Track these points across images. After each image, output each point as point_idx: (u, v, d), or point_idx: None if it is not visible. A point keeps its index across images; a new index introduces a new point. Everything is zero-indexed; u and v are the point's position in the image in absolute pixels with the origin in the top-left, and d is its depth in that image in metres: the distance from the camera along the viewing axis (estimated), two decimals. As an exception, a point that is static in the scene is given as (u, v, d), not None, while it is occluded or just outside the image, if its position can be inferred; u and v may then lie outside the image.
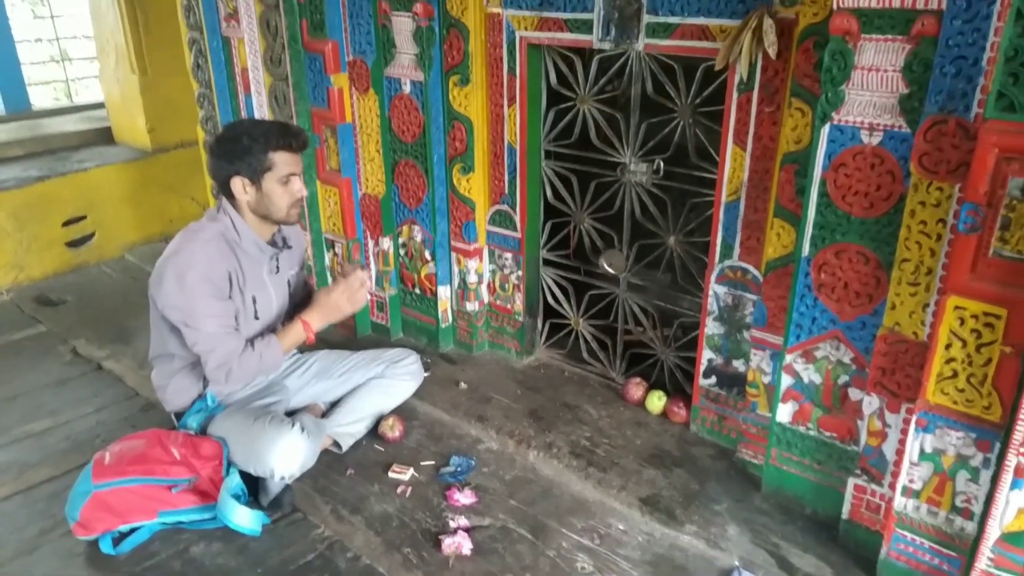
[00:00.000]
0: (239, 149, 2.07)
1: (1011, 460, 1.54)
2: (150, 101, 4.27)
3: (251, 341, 2.19)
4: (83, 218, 4.07)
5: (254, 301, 2.22)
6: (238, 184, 2.10)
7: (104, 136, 4.58)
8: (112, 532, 2.07)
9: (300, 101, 2.82)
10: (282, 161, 2.11)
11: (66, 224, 4.02)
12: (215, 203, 2.27)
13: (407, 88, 2.65)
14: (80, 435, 2.59)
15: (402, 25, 2.56)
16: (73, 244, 4.07)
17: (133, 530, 2.09)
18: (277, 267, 2.29)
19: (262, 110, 2.94)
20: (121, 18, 4.13)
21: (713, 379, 2.34)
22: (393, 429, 2.45)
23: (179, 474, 2.13)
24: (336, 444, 2.38)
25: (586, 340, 2.83)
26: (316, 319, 2.25)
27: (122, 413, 2.72)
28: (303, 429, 2.14)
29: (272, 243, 2.26)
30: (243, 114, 3.07)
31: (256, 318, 2.25)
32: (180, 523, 2.12)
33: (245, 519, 2.07)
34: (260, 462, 2.10)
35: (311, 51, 2.75)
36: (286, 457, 2.09)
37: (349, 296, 2.25)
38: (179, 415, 2.32)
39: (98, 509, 2.05)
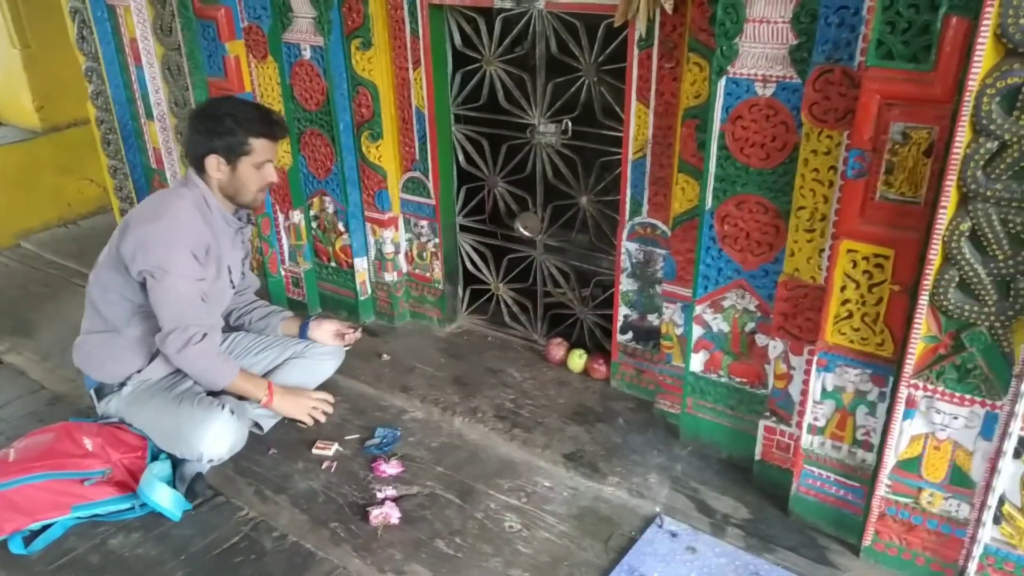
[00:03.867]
0: (222, 129, 2.08)
1: (903, 392, 1.63)
2: (36, 77, 4.00)
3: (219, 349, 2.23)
4: (-29, 205, 3.83)
5: (229, 271, 2.25)
6: (212, 162, 2.11)
7: (-13, 117, 4.29)
8: (22, 531, 1.99)
9: (195, 71, 2.69)
10: (261, 147, 2.13)
11: (-48, 213, 3.77)
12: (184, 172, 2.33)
13: (307, 54, 2.56)
14: (-19, 434, 2.46)
15: (298, -12, 2.47)
16: (-38, 234, 3.83)
17: (45, 527, 2.01)
18: (242, 241, 2.31)
19: (155, 82, 2.80)
20: (-6, -13, 3.84)
21: (630, 334, 2.39)
22: None
23: (91, 466, 2.07)
24: (257, 425, 2.34)
25: (507, 304, 2.84)
26: (278, 399, 2.28)
27: (27, 408, 2.60)
28: (232, 411, 2.14)
29: (237, 217, 2.28)
30: (136, 88, 2.93)
31: (232, 286, 2.31)
32: (96, 516, 2.06)
33: (167, 499, 2.03)
34: (188, 445, 2.08)
35: (203, 18, 2.62)
36: (216, 439, 2.09)
37: (308, 411, 2.35)
38: (99, 392, 2.25)
39: (5, 509, 1.98)
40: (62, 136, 4.12)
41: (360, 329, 2.59)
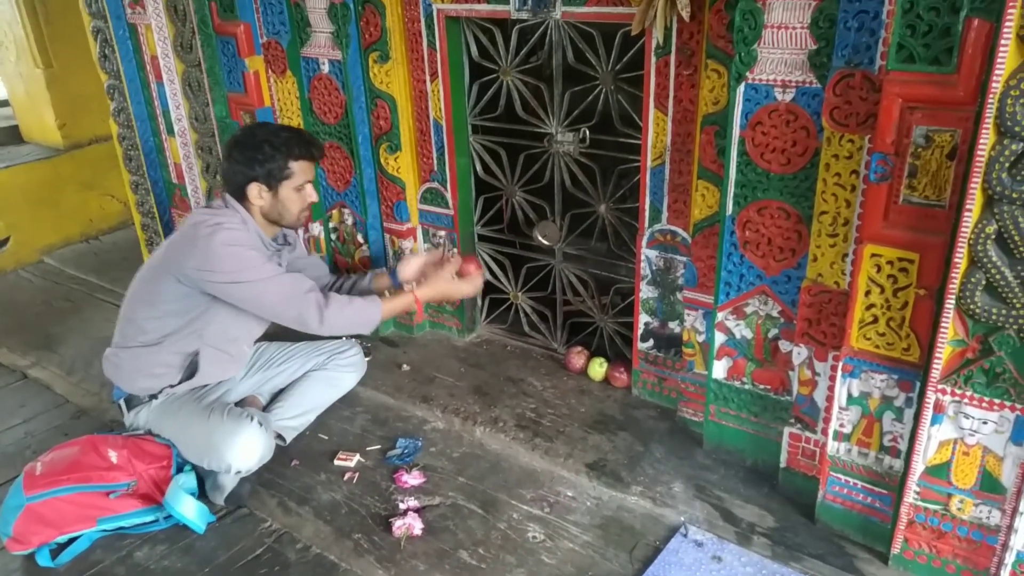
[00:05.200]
0: (261, 156, 2.10)
1: (930, 397, 1.61)
2: (58, 96, 4.07)
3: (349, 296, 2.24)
4: (-4, 223, 3.89)
5: None
6: (254, 190, 2.14)
7: (11, 135, 4.36)
8: (49, 544, 2.01)
9: (215, 87, 2.73)
10: (301, 170, 2.17)
11: (-23, 230, 3.83)
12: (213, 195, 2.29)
13: (326, 68, 2.59)
14: (8, 448, 2.49)
15: (316, 3, 2.49)
16: (-13, 251, 3.88)
17: (72, 540, 2.03)
18: (280, 263, 2.28)
19: (176, 98, 2.84)
20: (18, 8, 3.90)
21: (651, 342, 2.38)
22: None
23: (117, 479, 2.08)
24: (280, 437, 2.35)
25: (526, 313, 2.84)
26: (427, 295, 2.30)
27: (52, 422, 2.63)
28: (260, 423, 2.15)
29: (274, 239, 2.30)
30: (157, 104, 2.97)
31: None
32: (122, 528, 2.07)
33: (191, 511, 2.05)
34: (217, 456, 2.09)
35: (223, 34, 2.66)
36: (245, 451, 2.10)
37: (460, 286, 2.34)
38: (128, 403, 2.27)
39: (32, 522, 1.99)
40: (84, 153, 4.19)
41: (450, 251, 2.41)
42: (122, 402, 2.29)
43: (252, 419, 2.14)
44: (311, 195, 2.22)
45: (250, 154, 2.11)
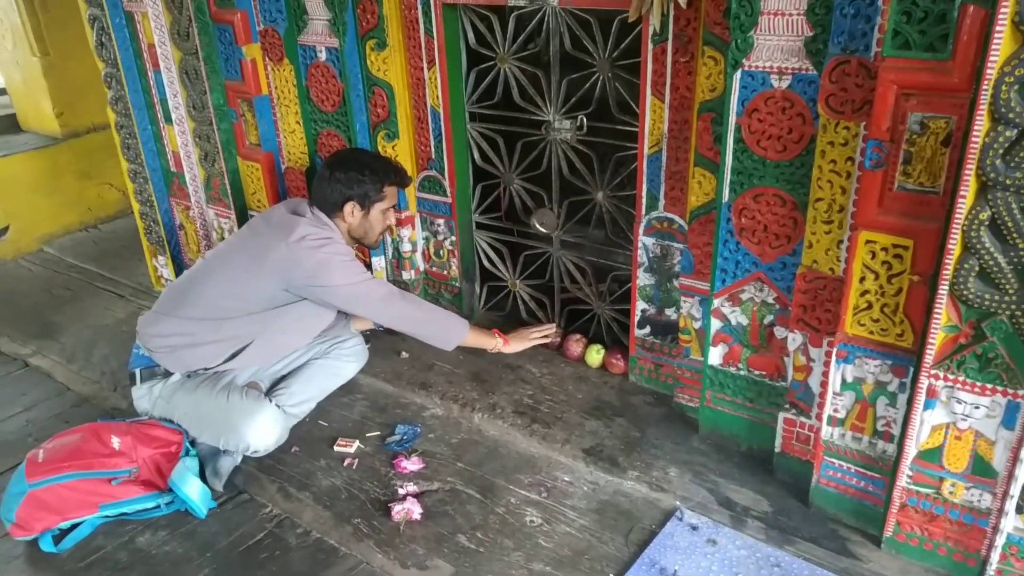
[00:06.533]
0: (362, 178, 2.30)
1: (923, 382, 1.63)
2: (55, 84, 4.06)
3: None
4: (-6, 212, 3.89)
5: None
6: (349, 208, 2.32)
7: (9, 124, 4.35)
8: (52, 530, 2.03)
9: (212, 75, 2.72)
10: (391, 194, 2.40)
11: (-24, 219, 3.84)
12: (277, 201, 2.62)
13: (323, 56, 2.58)
14: (9, 435, 2.51)
15: (312, -10, 2.49)
16: (-14, 240, 3.89)
17: (75, 526, 2.05)
18: None
19: (173, 86, 2.83)
20: (14, -4, 3.89)
21: (647, 329, 2.39)
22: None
23: (118, 465, 2.10)
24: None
25: (524, 301, 2.85)
26: (514, 342, 2.54)
27: (53, 410, 2.64)
28: (279, 405, 2.26)
29: None
30: (154, 92, 2.96)
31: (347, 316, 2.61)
32: (124, 515, 2.09)
33: (196, 493, 2.07)
34: (236, 435, 2.17)
35: (220, 22, 2.65)
36: (265, 431, 2.20)
37: (538, 338, 2.60)
38: (143, 375, 2.32)
39: (35, 508, 2.01)
40: (82, 142, 4.18)
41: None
42: (138, 371, 2.31)
43: (271, 401, 2.26)
44: (391, 218, 2.45)
45: (353, 175, 2.29)
